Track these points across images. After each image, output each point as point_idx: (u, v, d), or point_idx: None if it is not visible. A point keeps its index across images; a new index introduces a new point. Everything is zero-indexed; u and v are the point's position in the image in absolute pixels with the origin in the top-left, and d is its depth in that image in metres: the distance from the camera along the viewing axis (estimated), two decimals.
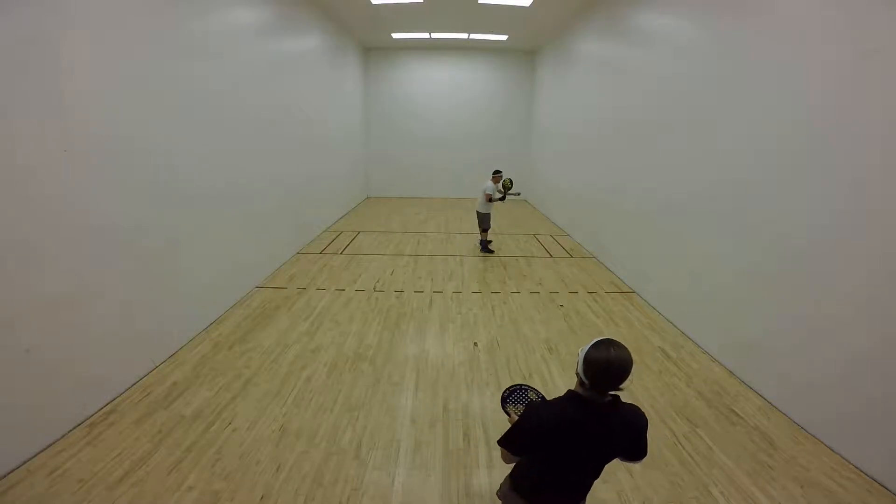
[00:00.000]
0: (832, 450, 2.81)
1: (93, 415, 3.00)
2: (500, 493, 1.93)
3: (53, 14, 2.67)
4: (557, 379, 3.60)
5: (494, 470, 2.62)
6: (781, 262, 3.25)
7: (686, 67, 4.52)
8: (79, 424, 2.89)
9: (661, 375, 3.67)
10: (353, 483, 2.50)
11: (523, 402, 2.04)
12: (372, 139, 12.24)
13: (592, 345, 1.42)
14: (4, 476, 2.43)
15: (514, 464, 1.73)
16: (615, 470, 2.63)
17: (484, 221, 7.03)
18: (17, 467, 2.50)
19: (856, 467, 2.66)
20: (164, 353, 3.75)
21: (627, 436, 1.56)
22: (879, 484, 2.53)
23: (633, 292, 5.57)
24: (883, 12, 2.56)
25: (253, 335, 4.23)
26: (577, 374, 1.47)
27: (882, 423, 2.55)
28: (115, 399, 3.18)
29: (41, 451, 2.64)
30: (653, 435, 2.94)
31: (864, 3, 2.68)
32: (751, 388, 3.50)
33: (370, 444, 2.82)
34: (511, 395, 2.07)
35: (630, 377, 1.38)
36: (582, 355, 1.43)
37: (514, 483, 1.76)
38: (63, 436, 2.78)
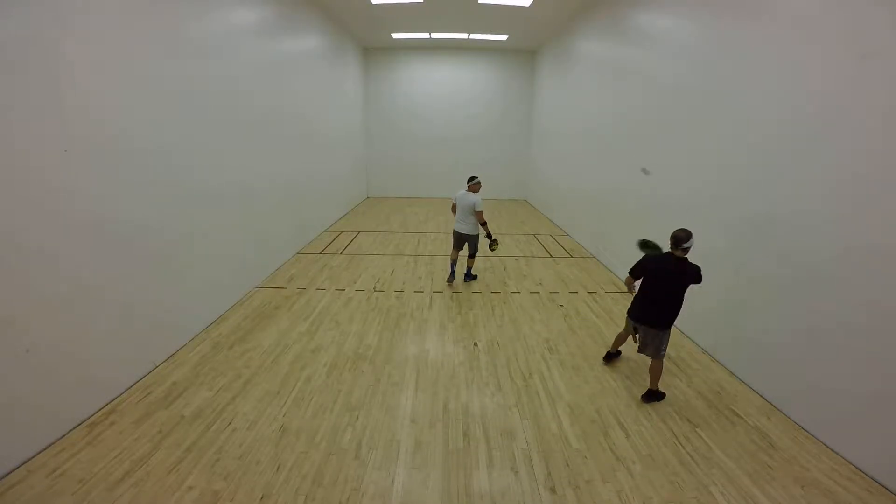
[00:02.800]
0: (832, 450, 2.82)
1: (93, 415, 2.99)
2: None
3: (54, 14, 2.67)
4: (557, 379, 3.60)
5: (494, 469, 2.63)
6: (781, 261, 3.26)
7: (686, 67, 4.52)
8: (79, 424, 2.89)
9: (661, 375, 3.66)
10: (353, 483, 2.50)
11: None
12: (372, 139, 12.24)
13: (676, 230, 3.07)
14: (4, 476, 2.43)
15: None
16: (615, 470, 2.63)
17: (474, 245, 5.51)
18: (17, 467, 2.50)
19: (856, 467, 2.66)
20: (164, 353, 3.75)
21: (689, 276, 3.08)
22: (879, 484, 2.53)
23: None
24: (883, 12, 2.56)
25: (253, 335, 4.23)
26: (661, 249, 3.35)
27: (882, 424, 2.55)
28: (115, 399, 3.18)
29: (41, 451, 2.64)
30: (653, 434, 2.96)
31: (864, 3, 2.68)
32: (751, 388, 3.50)
33: (370, 444, 2.82)
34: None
35: (690, 243, 3.05)
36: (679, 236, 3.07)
37: (629, 312, 3.39)
38: (63, 436, 2.78)
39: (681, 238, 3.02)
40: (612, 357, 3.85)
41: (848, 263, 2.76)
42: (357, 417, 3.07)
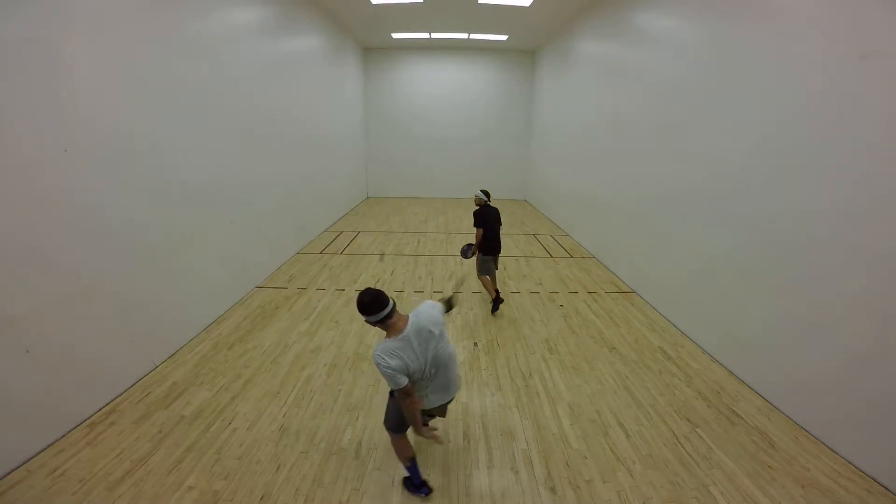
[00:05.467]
0: (832, 450, 2.81)
1: (93, 415, 3.00)
2: (478, 270, 4.82)
3: (54, 14, 2.67)
4: (557, 378, 3.60)
5: (494, 469, 2.63)
6: (781, 261, 3.25)
7: (685, 68, 4.52)
8: (79, 424, 2.89)
9: (661, 375, 3.67)
10: (353, 483, 2.50)
11: (468, 247, 4.85)
12: (372, 139, 12.24)
13: (481, 190, 4.80)
14: (4, 476, 2.43)
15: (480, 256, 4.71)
16: (615, 470, 2.63)
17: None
18: (17, 467, 2.50)
19: (856, 467, 2.66)
20: (164, 353, 3.75)
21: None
22: (879, 484, 2.53)
23: (633, 292, 5.56)
24: (883, 12, 2.56)
25: (253, 335, 4.23)
26: (482, 199, 4.74)
27: (882, 423, 2.55)
28: (115, 399, 3.18)
29: (41, 451, 2.64)
30: (653, 434, 2.96)
31: (864, 3, 2.68)
32: (751, 388, 3.50)
33: (370, 444, 2.82)
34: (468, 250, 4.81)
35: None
36: (480, 194, 4.78)
37: (488, 252, 4.67)
38: (63, 436, 2.78)
39: (487, 193, 4.76)
40: (498, 304, 4.74)
41: (848, 264, 2.76)
42: (357, 417, 3.07)
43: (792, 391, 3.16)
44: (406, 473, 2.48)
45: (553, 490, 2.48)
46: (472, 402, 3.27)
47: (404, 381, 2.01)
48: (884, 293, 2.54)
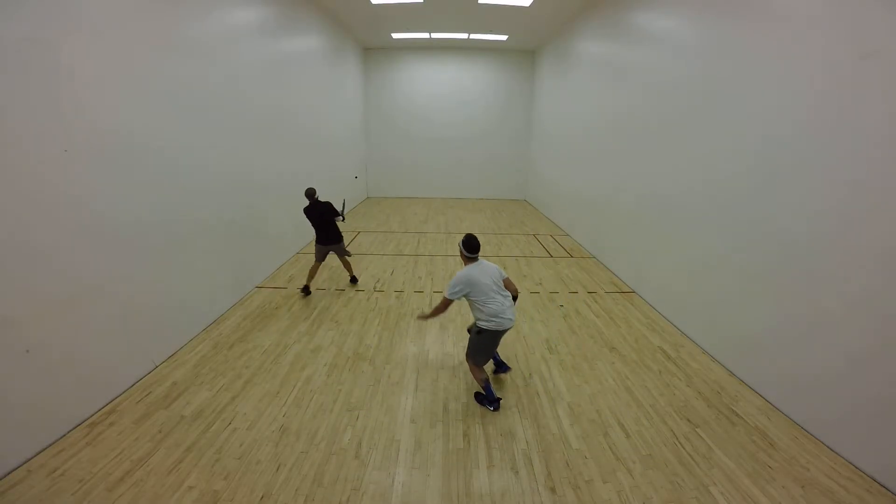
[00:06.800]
0: (832, 450, 2.81)
1: (93, 415, 2.99)
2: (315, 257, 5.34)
3: (54, 14, 2.67)
4: (557, 379, 3.60)
5: (494, 469, 2.63)
6: (781, 261, 3.25)
7: (686, 68, 4.52)
8: (79, 424, 2.89)
9: (661, 375, 3.67)
10: (353, 483, 2.50)
11: None
12: (372, 139, 12.24)
13: (309, 188, 5.10)
14: (4, 476, 2.43)
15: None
16: (615, 470, 2.63)
17: None
18: (17, 467, 2.50)
19: (855, 467, 2.66)
20: (164, 353, 3.75)
21: (328, 210, 5.18)
22: (879, 484, 2.53)
23: (633, 292, 5.56)
24: (883, 12, 2.56)
25: (253, 335, 4.23)
26: (307, 198, 5.08)
27: (882, 423, 2.55)
28: (115, 399, 3.18)
29: (41, 451, 2.64)
30: (653, 434, 2.96)
31: (864, 3, 2.68)
32: (751, 388, 3.50)
33: (370, 444, 2.82)
34: None
35: (313, 192, 5.14)
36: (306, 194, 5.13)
37: (319, 242, 5.20)
38: (63, 436, 2.78)
39: (311, 192, 5.03)
40: (307, 291, 5.21)
41: (848, 264, 2.76)
42: (357, 417, 3.07)
43: (792, 391, 3.17)
44: (480, 391, 3.24)
45: (553, 490, 2.48)
46: (472, 402, 3.27)
47: (458, 296, 3.00)
48: (884, 293, 2.54)
